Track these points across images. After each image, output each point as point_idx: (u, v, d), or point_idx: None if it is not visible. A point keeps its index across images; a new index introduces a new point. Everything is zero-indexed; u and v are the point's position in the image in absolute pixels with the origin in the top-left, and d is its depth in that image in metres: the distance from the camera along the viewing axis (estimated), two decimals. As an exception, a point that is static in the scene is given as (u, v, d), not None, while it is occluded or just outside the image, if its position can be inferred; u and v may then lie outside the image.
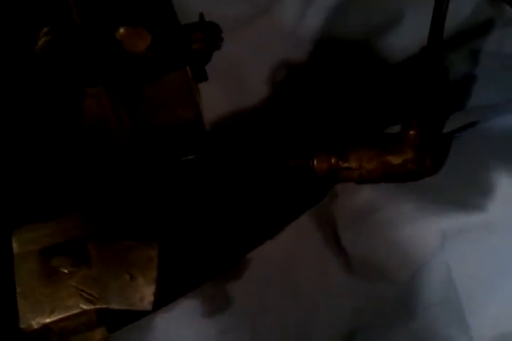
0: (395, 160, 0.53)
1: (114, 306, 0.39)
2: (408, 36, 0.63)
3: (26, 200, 0.41)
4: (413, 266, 0.49)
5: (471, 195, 0.49)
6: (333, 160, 0.54)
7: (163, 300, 0.42)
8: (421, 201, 0.51)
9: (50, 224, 0.41)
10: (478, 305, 0.46)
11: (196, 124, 0.39)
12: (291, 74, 0.67)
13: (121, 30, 0.32)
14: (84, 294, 0.38)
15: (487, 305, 0.45)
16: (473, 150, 0.52)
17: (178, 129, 0.39)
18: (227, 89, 0.66)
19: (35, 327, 0.37)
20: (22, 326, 0.37)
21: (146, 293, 0.39)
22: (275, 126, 0.66)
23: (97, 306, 0.38)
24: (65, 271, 0.39)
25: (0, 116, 0.36)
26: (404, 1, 0.63)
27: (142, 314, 0.50)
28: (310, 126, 0.65)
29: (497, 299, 0.45)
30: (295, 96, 0.67)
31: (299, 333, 0.52)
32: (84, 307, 0.38)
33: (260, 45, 0.65)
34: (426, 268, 0.48)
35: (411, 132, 0.52)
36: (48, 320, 0.38)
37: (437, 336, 0.46)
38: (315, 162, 0.54)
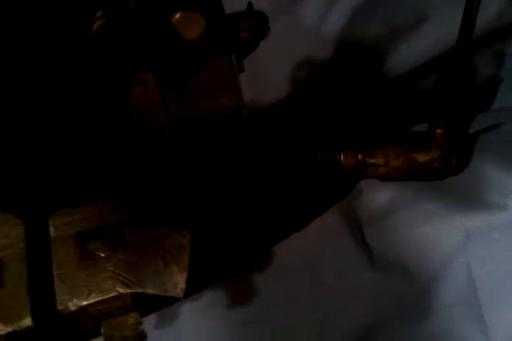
0: (422, 158, 0.53)
1: (150, 291, 0.39)
2: (431, 37, 0.64)
3: (63, 184, 0.41)
4: (435, 265, 0.49)
5: (493, 194, 0.49)
6: (359, 156, 0.54)
7: (189, 290, 0.42)
8: (444, 200, 0.51)
9: (86, 208, 0.41)
10: (497, 306, 0.45)
11: (238, 113, 0.39)
12: (313, 71, 0.67)
13: (178, 14, 0.32)
14: (120, 278, 0.39)
15: (506, 305, 0.45)
16: (496, 151, 0.52)
17: (220, 117, 0.39)
18: (248, 86, 0.66)
19: (72, 308, 0.37)
20: (59, 307, 0.37)
21: (179, 280, 0.40)
22: (301, 121, 0.66)
23: (133, 290, 0.38)
24: (102, 255, 0.39)
25: (48, 97, 0.36)
26: (428, 2, 0.63)
27: (168, 302, 0.50)
28: (337, 122, 0.65)
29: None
30: (318, 92, 0.67)
31: (321, 326, 0.52)
32: (121, 290, 0.38)
33: (282, 43, 0.65)
34: (447, 267, 0.48)
35: (438, 131, 0.53)
36: (84, 303, 0.38)
37: (455, 335, 0.46)
38: (342, 157, 0.54)
